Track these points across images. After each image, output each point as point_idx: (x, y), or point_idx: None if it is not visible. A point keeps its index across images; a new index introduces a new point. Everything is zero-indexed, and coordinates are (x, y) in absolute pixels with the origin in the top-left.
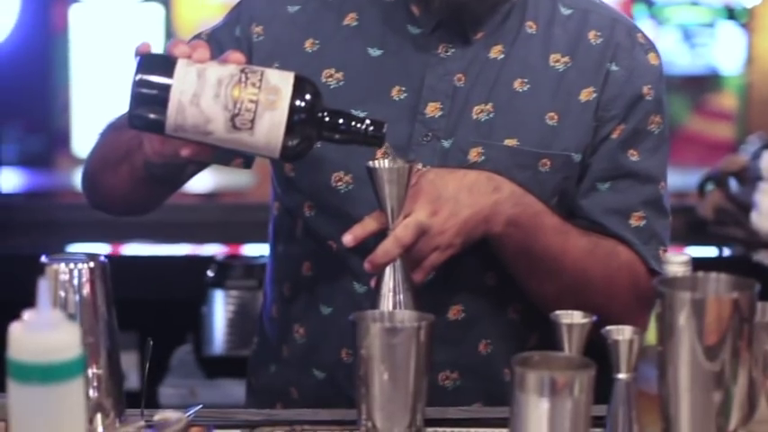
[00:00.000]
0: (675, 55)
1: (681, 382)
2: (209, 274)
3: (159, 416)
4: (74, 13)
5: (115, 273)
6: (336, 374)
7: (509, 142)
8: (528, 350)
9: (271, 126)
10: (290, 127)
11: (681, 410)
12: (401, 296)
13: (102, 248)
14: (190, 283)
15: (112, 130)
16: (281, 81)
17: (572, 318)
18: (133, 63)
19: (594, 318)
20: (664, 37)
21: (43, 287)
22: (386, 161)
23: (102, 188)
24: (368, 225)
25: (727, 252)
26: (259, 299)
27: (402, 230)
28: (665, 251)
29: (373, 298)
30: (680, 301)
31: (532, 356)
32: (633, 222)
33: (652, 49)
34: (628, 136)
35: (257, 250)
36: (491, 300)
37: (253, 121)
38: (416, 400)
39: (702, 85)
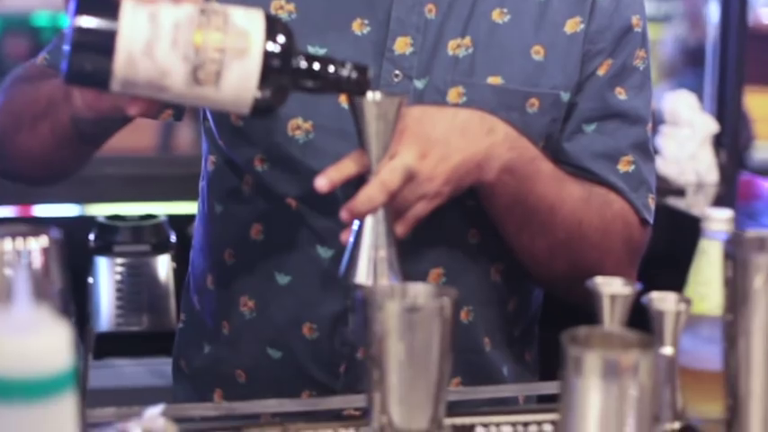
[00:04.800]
0: None
1: (754, 354)
2: (91, 238)
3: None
4: None
5: None
6: (297, 353)
7: (492, 81)
8: (508, 316)
9: (241, 78)
10: (263, 77)
11: (753, 386)
12: (384, 252)
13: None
14: (75, 250)
15: (22, 82)
16: (249, 23)
17: (613, 287)
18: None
19: (639, 286)
20: None
21: (21, 277)
22: (376, 93)
23: (13, 152)
24: (346, 167)
25: None
26: (152, 266)
27: (389, 174)
28: (654, 199)
29: (350, 254)
30: (756, 265)
31: (577, 333)
32: (622, 168)
33: None
34: (616, 72)
35: (142, 209)
36: (473, 260)
37: (219, 73)
38: (440, 389)
39: None
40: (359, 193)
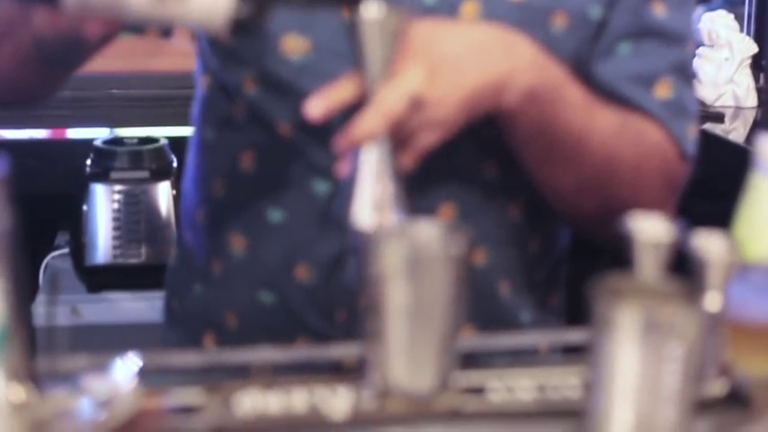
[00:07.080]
0: None
1: None
2: (89, 163)
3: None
4: None
5: None
6: (291, 297)
7: None
8: (530, 258)
9: None
10: None
11: None
12: (387, 186)
13: None
14: (69, 176)
15: None
16: None
17: (652, 232)
18: None
19: (681, 229)
20: None
21: None
22: (378, 4)
23: None
24: (344, 89)
25: None
26: (151, 194)
27: (391, 98)
28: (696, 128)
29: (349, 189)
30: None
31: (608, 283)
32: (660, 92)
33: None
34: None
35: (144, 132)
36: (490, 195)
37: None
38: (448, 344)
39: None
40: (357, 120)
